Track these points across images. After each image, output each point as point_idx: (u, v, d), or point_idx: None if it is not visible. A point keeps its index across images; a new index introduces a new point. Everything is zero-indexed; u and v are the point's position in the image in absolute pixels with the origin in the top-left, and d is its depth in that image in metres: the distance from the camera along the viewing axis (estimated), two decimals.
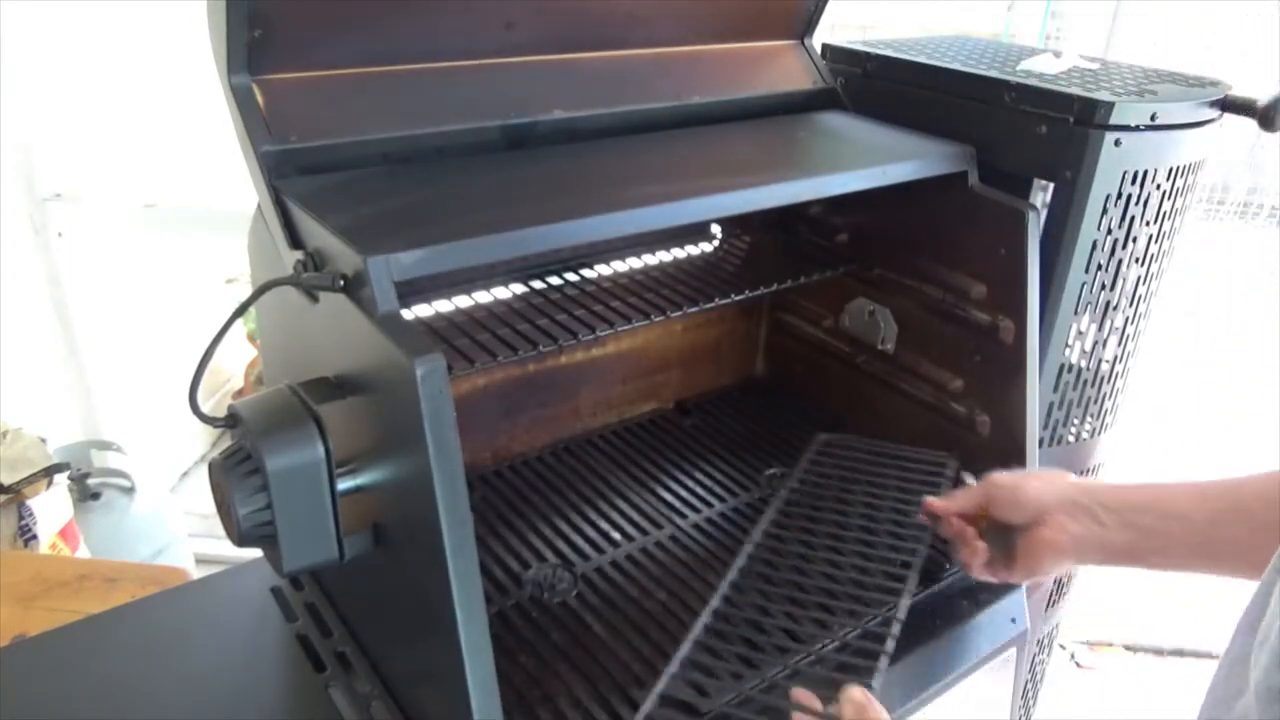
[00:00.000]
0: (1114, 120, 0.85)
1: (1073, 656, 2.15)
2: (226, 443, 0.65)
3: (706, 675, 0.72)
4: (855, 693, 0.65)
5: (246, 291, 0.76)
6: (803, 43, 1.04)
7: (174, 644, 0.83)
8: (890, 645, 0.74)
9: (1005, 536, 0.78)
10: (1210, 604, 2.15)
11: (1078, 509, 0.73)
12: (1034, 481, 0.77)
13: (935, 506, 0.83)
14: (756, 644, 0.78)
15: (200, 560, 1.95)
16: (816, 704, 0.66)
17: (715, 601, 0.79)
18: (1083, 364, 1.00)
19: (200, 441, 2.53)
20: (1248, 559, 0.65)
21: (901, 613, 0.78)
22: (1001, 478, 0.79)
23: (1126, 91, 0.89)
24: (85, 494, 1.74)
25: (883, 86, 1.03)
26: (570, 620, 0.83)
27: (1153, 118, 0.87)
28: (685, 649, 0.73)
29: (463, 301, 0.92)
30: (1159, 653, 2.17)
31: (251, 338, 2.43)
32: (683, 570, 0.90)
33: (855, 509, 0.91)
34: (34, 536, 1.51)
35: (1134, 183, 0.90)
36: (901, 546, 0.85)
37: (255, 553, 0.68)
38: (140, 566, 1.46)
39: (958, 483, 0.93)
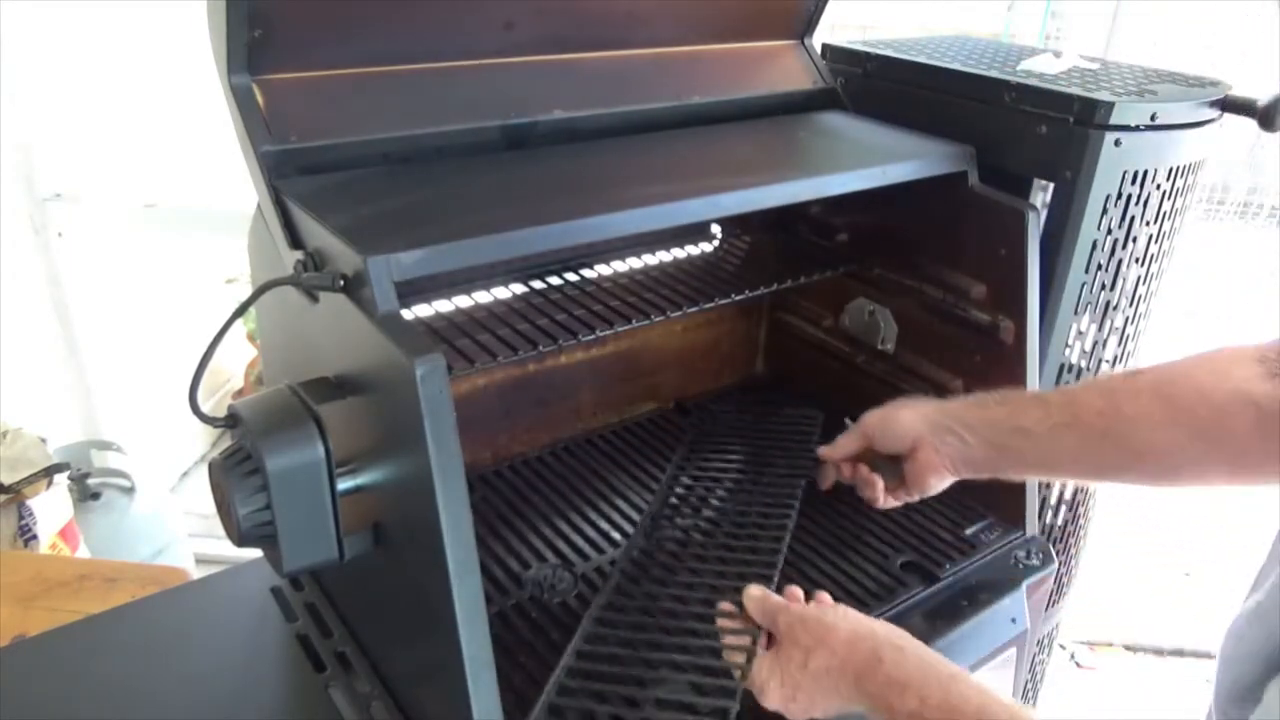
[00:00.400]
0: (1114, 120, 0.85)
1: (1073, 656, 2.15)
2: (226, 443, 0.65)
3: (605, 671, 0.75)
4: (752, 589, 0.72)
5: (246, 291, 0.76)
6: (803, 43, 1.04)
7: (174, 644, 0.83)
8: (784, 545, 0.87)
9: (893, 465, 0.86)
10: (1211, 604, 2.15)
11: (944, 431, 0.80)
12: (903, 412, 0.83)
13: (825, 454, 0.91)
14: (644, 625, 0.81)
15: (200, 560, 1.95)
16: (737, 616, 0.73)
17: (596, 607, 0.82)
18: (1083, 364, 1.00)
19: (200, 441, 2.53)
20: (1082, 465, 0.75)
21: (791, 523, 0.91)
22: (872, 415, 0.86)
23: (1126, 91, 0.89)
24: (85, 494, 1.74)
25: (883, 86, 1.03)
26: (570, 620, 0.83)
27: (1153, 118, 0.87)
28: (564, 662, 0.76)
29: (463, 301, 0.92)
30: (1159, 653, 2.17)
31: (251, 338, 2.42)
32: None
33: (738, 475, 1.01)
34: (34, 536, 1.51)
35: (1134, 183, 0.90)
36: (780, 497, 0.96)
37: (255, 553, 0.68)
38: (140, 566, 1.46)
39: (829, 432, 1.03)
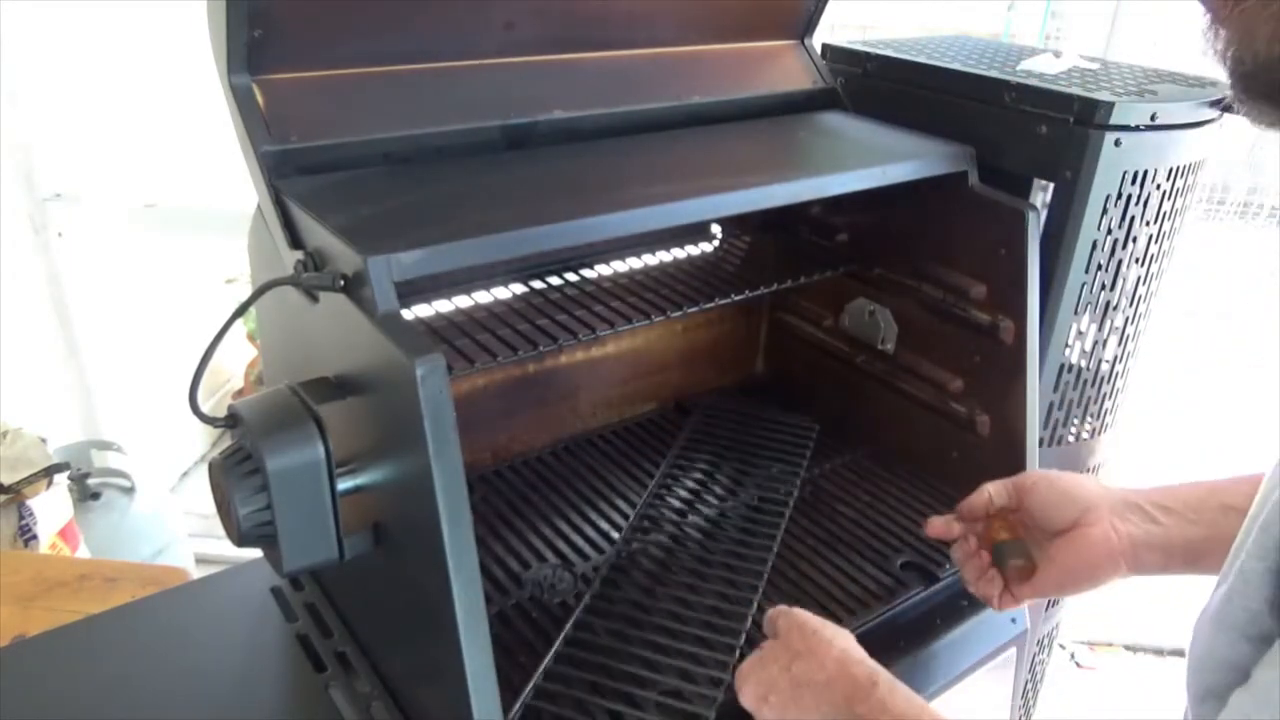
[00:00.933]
0: (1114, 120, 0.85)
1: (1073, 656, 2.15)
2: (226, 443, 0.65)
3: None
4: (770, 612, 0.70)
5: (246, 291, 0.76)
6: (803, 43, 1.04)
7: (174, 644, 0.83)
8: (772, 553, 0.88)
9: (1022, 545, 0.71)
10: None
11: (1128, 507, 0.66)
12: (1071, 476, 0.70)
13: (939, 528, 0.76)
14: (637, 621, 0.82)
15: (200, 560, 1.95)
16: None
17: (585, 602, 0.83)
18: (1083, 364, 1.00)
19: (200, 441, 2.53)
20: None
21: (780, 530, 0.92)
22: (1035, 474, 0.72)
23: (1126, 91, 0.89)
24: (85, 494, 1.74)
25: (883, 86, 1.03)
26: (570, 620, 0.83)
27: (1153, 118, 0.87)
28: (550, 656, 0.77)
29: (463, 301, 0.92)
30: (1159, 653, 2.17)
31: (251, 338, 2.43)
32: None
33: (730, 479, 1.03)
34: (34, 536, 1.51)
35: (1134, 183, 0.90)
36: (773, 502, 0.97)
37: (255, 553, 0.68)
38: (140, 566, 1.46)
39: (819, 445, 1.07)
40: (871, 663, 0.62)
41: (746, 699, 0.66)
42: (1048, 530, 0.70)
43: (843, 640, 0.65)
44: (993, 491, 0.73)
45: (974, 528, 0.76)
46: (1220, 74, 0.43)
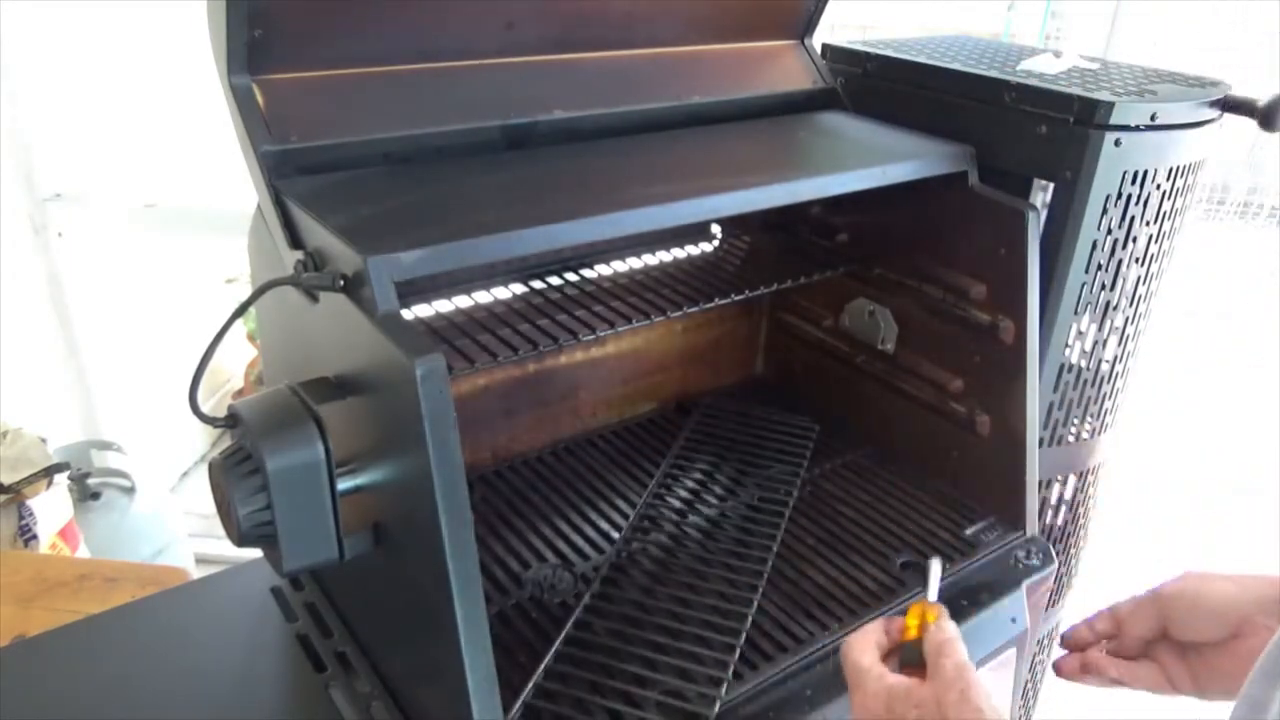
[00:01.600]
0: (1114, 120, 0.85)
1: None
2: (226, 443, 0.65)
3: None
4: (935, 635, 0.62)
5: (246, 291, 0.76)
6: (803, 43, 1.04)
7: (174, 644, 0.83)
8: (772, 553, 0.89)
9: (1184, 654, 0.66)
10: None
11: None
12: (1220, 584, 0.64)
13: (1089, 657, 0.69)
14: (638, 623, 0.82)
15: (200, 560, 1.95)
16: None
17: (586, 597, 0.84)
18: (1083, 364, 1.00)
19: (200, 441, 2.53)
20: None
21: (780, 531, 0.92)
22: (1176, 588, 0.65)
23: (1126, 91, 0.89)
24: (85, 494, 1.74)
25: (883, 86, 1.03)
26: (570, 620, 0.83)
27: (1153, 118, 0.87)
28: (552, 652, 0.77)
29: (463, 301, 0.92)
30: None
31: (251, 338, 2.43)
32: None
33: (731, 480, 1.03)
34: (34, 536, 1.51)
35: (1134, 183, 0.90)
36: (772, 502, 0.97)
37: (255, 553, 0.68)
38: (140, 566, 1.46)
39: (819, 445, 1.07)
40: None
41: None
42: (1198, 643, 0.65)
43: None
44: (1127, 612, 0.67)
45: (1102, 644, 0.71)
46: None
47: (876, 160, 0.84)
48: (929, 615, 0.65)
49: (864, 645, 0.64)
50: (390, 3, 0.75)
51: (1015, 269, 0.89)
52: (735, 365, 1.28)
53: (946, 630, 0.63)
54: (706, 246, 1.13)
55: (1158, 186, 0.92)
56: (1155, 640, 0.67)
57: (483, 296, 0.94)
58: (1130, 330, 1.03)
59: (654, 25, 0.92)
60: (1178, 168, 0.93)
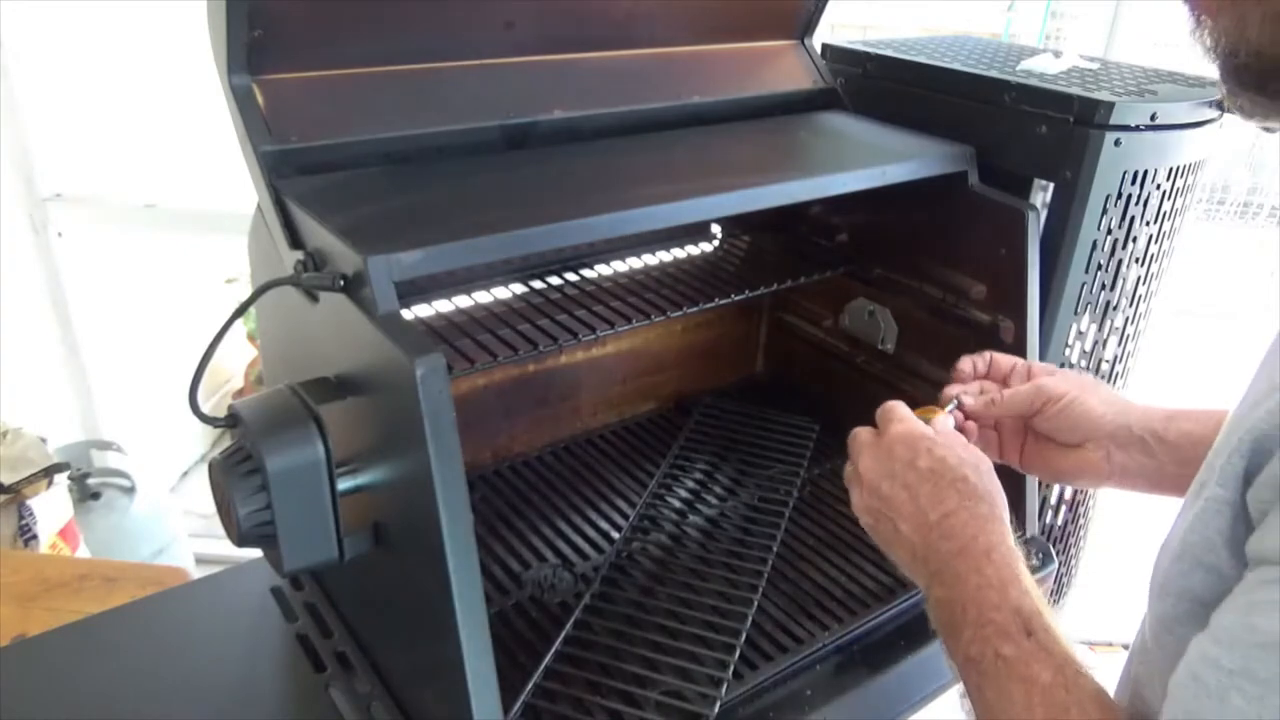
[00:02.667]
0: (1114, 120, 0.85)
1: None
2: (226, 443, 0.65)
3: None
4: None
5: (246, 291, 0.76)
6: (803, 43, 1.04)
7: (174, 644, 0.83)
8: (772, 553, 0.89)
9: (1027, 435, 0.75)
10: None
11: (1130, 439, 0.70)
12: (1091, 400, 0.72)
13: (973, 408, 0.76)
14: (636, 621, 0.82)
15: (200, 560, 1.95)
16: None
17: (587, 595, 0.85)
18: (1083, 364, 1.00)
19: (200, 441, 2.53)
20: None
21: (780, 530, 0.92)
22: (1058, 388, 0.72)
23: (1126, 91, 0.89)
24: (85, 494, 1.74)
25: (883, 86, 1.03)
26: (570, 620, 0.83)
27: (1153, 118, 0.87)
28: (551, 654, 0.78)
29: (463, 301, 0.92)
30: None
31: (251, 338, 2.42)
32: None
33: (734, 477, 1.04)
34: (34, 536, 1.51)
35: (1134, 183, 0.90)
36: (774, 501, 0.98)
37: (255, 553, 0.68)
38: (140, 566, 1.46)
39: (819, 445, 1.07)
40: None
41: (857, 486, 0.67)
42: (1054, 440, 0.73)
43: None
44: (1008, 404, 0.74)
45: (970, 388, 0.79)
46: (1212, 72, 0.43)
47: (876, 160, 0.84)
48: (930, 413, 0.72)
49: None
50: (390, 3, 0.75)
51: (1015, 269, 0.89)
52: (735, 365, 1.28)
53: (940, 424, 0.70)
54: (706, 246, 1.13)
55: (1158, 186, 0.92)
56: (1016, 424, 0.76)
57: (483, 296, 0.94)
58: (1130, 330, 1.03)
59: (654, 25, 0.92)
60: (1178, 168, 0.93)
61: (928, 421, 0.69)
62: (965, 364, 0.79)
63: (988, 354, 0.79)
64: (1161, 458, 0.69)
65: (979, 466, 0.63)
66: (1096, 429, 0.71)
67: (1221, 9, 0.42)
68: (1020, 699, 0.49)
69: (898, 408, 0.69)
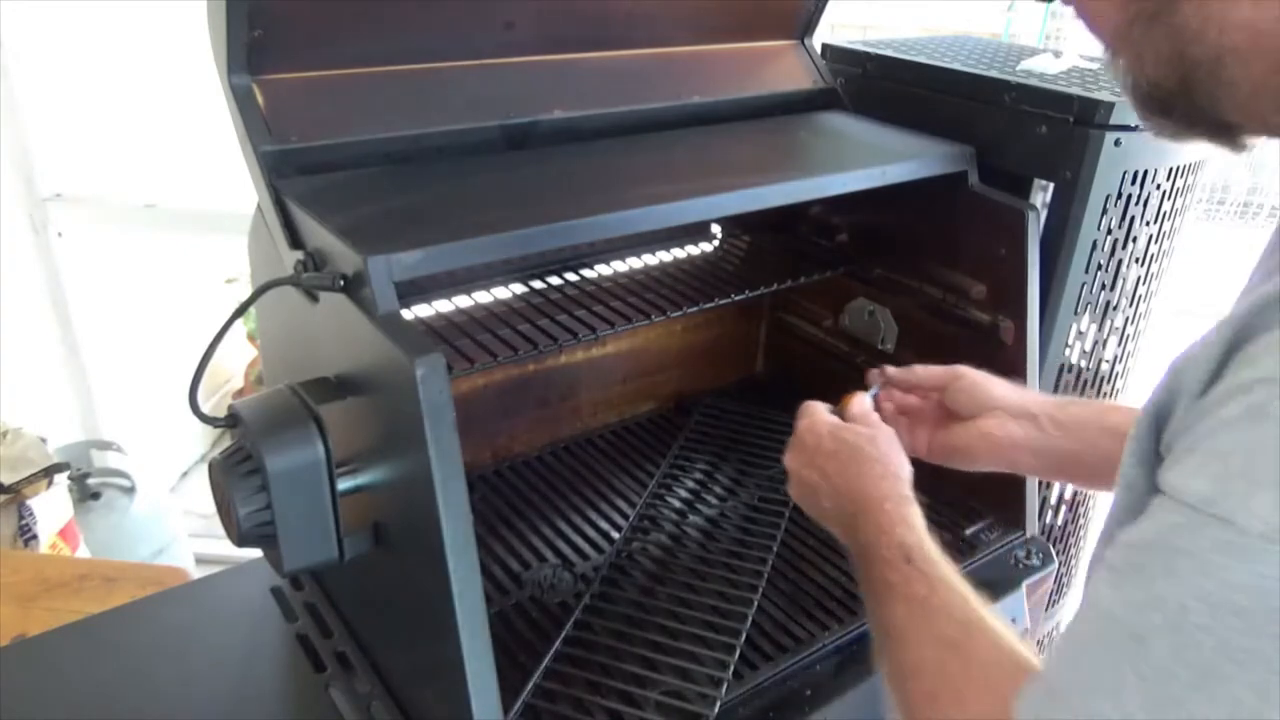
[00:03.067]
0: (1114, 120, 0.85)
1: None
2: (226, 443, 0.65)
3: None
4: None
5: (246, 291, 0.76)
6: (803, 43, 1.04)
7: (174, 644, 0.83)
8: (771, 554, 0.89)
9: (937, 424, 0.81)
10: None
11: (1026, 415, 0.76)
12: (996, 383, 0.79)
13: (893, 374, 0.84)
14: (635, 621, 0.83)
15: (200, 560, 1.95)
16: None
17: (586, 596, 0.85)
18: (1083, 364, 1.00)
19: (200, 441, 2.53)
20: None
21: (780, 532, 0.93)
22: (973, 371, 0.80)
23: None
24: (85, 494, 1.74)
25: (883, 86, 1.03)
26: (570, 620, 0.83)
27: None
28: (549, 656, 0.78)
29: (463, 301, 0.92)
30: None
31: (251, 338, 2.42)
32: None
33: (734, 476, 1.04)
34: (34, 536, 1.51)
35: (1134, 183, 0.90)
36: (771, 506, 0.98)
37: (255, 553, 0.68)
38: (140, 566, 1.46)
39: None
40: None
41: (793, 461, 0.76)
42: (958, 416, 0.80)
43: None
44: (923, 374, 0.83)
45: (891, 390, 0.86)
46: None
47: (876, 160, 0.84)
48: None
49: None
50: (390, 3, 0.75)
51: (1015, 269, 0.89)
52: (735, 365, 1.28)
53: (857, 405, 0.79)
54: (706, 246, 1.13)
55: (1158, 186, 0.92)
56: (931, 406, 0.83)
57: (483, 296, 0.94)
58: (1130, 330, 1.03)
59: (654, 25, 0.92)
60: (1178, 168, 0.93)
61: (849, 404, 0.79)
62: (889, 368, 0.87)
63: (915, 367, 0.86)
64: (1051, 432, 0.74)
65: (875, 438, 0.73)
66: (997, 401, 0.77)
67: (1120, 49, 0.46)
68: (902, 614, 0.57)
69: (807, 405, 0.80)
